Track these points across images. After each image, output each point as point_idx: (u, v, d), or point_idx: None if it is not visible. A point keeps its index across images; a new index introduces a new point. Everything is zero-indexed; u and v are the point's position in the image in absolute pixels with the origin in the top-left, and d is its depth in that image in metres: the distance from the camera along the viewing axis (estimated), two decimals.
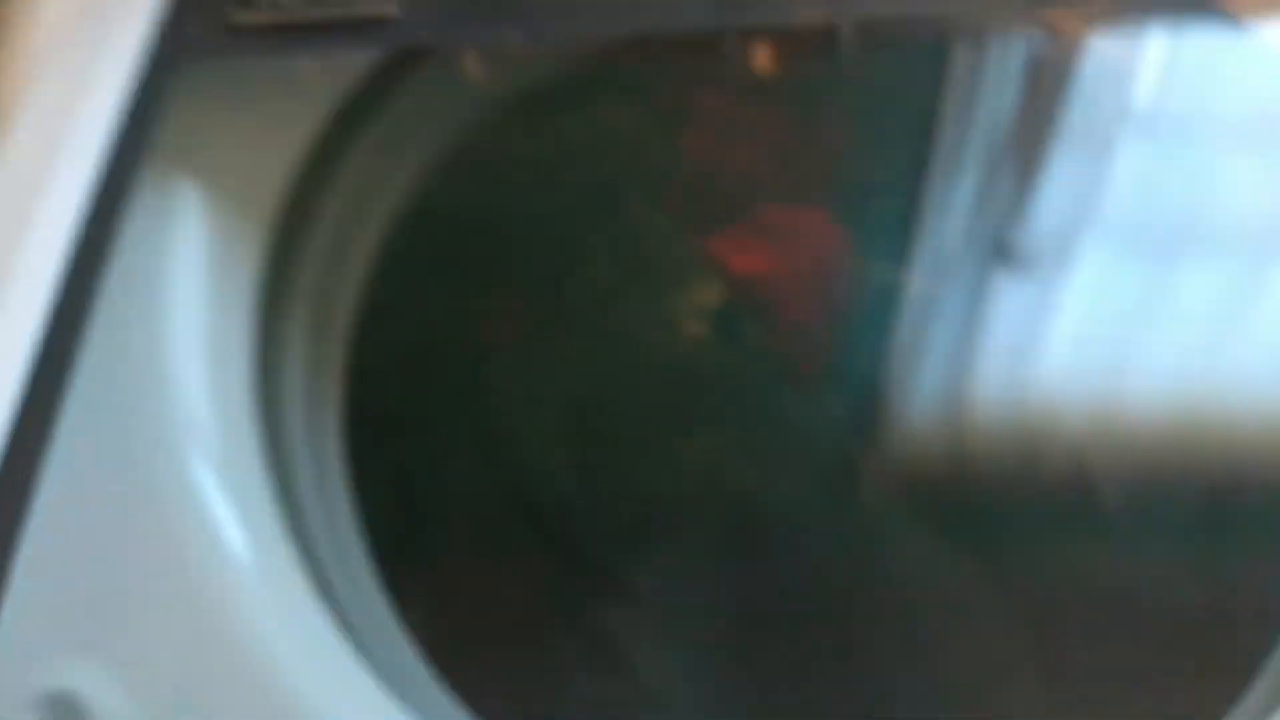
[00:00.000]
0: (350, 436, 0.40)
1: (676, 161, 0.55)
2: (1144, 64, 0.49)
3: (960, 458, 0.46)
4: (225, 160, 0.35)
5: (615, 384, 0.53)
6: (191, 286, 0.32)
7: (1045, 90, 0.47)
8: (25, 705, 0.26)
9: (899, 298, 0.47)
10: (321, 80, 0.35)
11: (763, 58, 0.47)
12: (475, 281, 0.54)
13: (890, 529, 0.49)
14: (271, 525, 0.30)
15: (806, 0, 0.37)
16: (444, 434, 0.51)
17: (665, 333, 0.54)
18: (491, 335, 0.53)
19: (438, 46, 0.39)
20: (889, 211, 0.49)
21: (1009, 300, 0.47)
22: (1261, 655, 0.36)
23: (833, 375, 0.53)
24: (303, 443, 0.35)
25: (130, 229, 0.32)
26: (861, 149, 0.50)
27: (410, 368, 0.52)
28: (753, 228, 0.55)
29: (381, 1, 0.33)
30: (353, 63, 0.37)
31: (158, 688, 0.26)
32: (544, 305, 0.54)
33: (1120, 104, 0.48)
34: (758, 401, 0.53)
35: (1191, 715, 0.37)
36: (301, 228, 0.36)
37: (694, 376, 0.53)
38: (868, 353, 0.47)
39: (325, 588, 0.32)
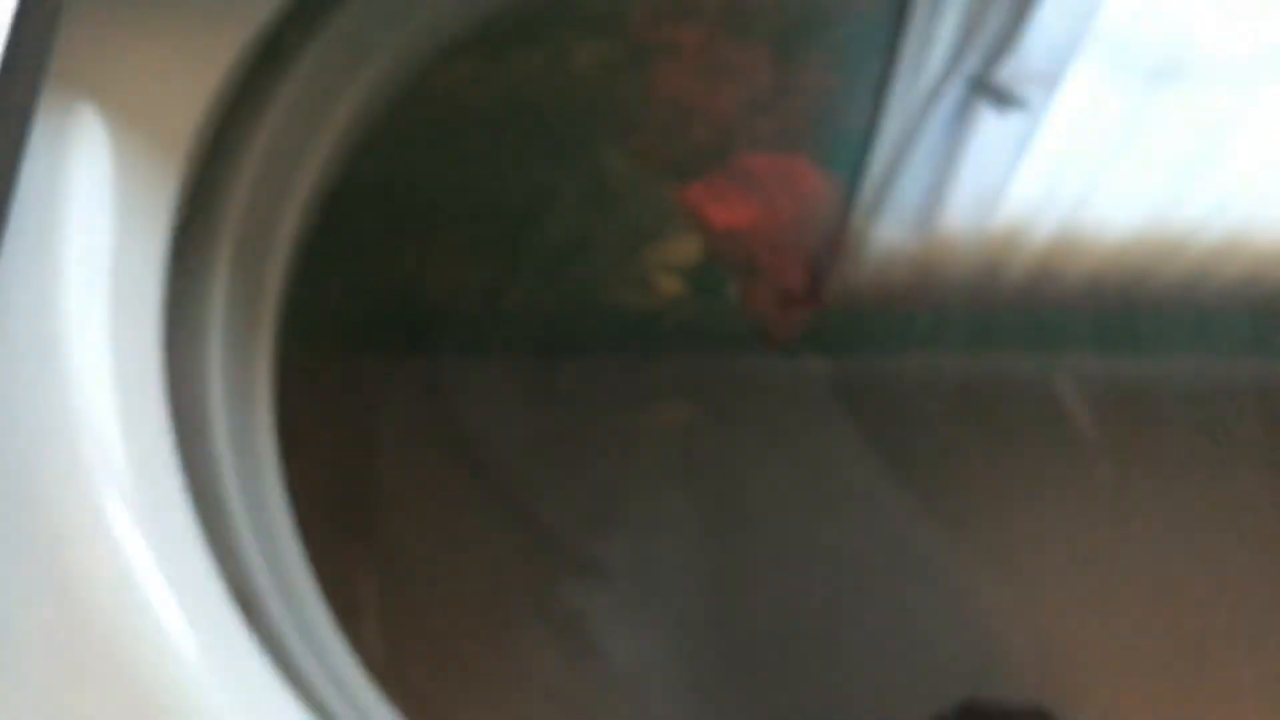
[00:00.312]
0: (285, 403, 0.36)
1: (648, 102, 0.51)
2: None
3: (930, 272, 0.45)
4: (135, 87, 0.30)
5: (580, 345, 0.49)
6: (95, 225, 0.27)
7: None
8: None
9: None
10: None
11: None
12: (425, 232, 0.49)
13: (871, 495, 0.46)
14: (188, 530, 0.25)
15: None
16: (393, 400, 0.47)
17: (635, 289, 0.50)
18: (444, 290, 0.49)
19: None
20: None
21: (989, 133, 0.46)
22: None
23: (815, 337, 0.50)
24: (225, 413, 0.30)
25: (26, 167, 0.27)
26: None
27: (353, 323, 0.47)
28: (731, 176, 0.51)
29: None
30: None
31: None
32: (502, 256, 0.50)
33: None
34: (735, 365, 0.49)
35: None
36: (225, 165, 0.32)
37: (666, 337, 0.49)
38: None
39: (255, 605, 0.28)
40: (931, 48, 0.48)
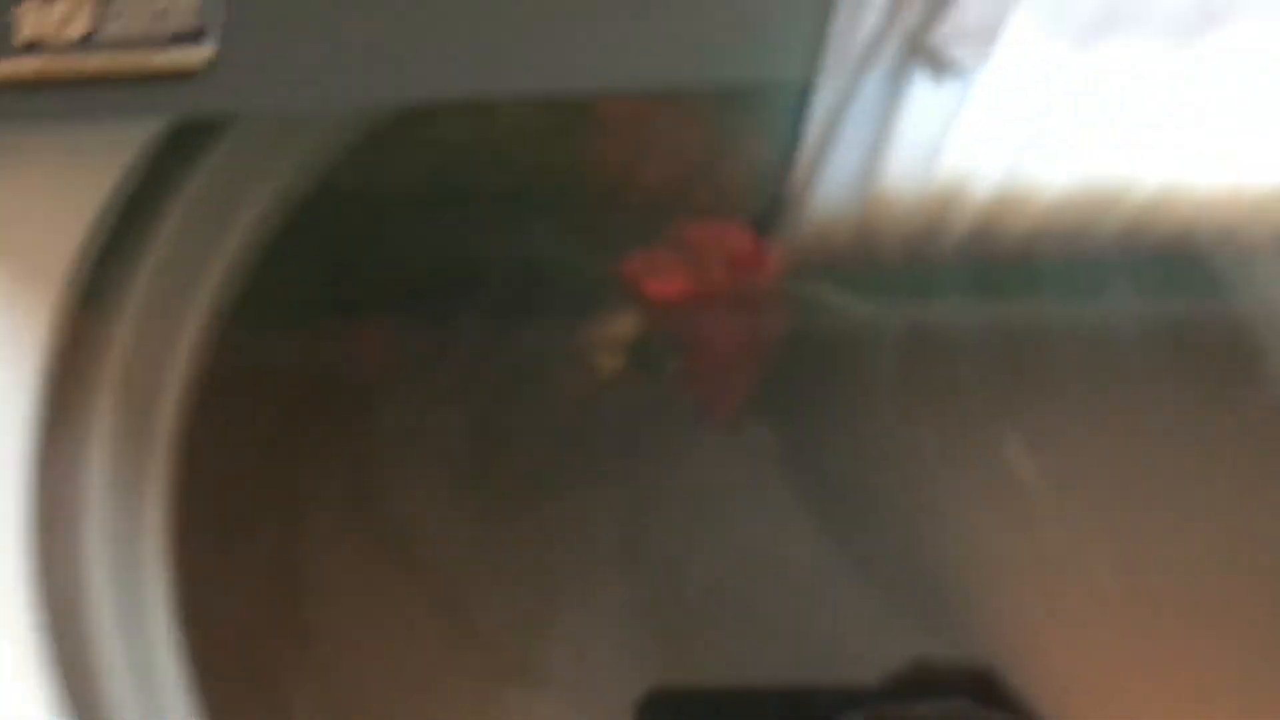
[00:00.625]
0: (189, 519, 0.34)
1: (583, 172, 0.49)
2: None
3: (870, 234, 0.44)
4: (5, 230, 0.28)
5: (515, 429, 0.47)
6: None
7: None
8: None
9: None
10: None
11: None
12: (350, 315, 0.47)
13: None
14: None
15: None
16: (317, 498, 0.45)
17: (572, 368, 0.48)
18: (369, 376, 0.47)
19: (252, 111, 0.32)
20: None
21: (925, 97, 0.45)
22: None
23: (759, 415, 0.48)
24: (106, 545, 0.28)
25: None
26: None
27: (270, 417, 0.45)
28: (670, 247, 0.49)
29: (190, 47, 0.25)
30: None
31: None
32: (432, 337, 0.48)
33: None
34: (677, 447, 0.47)
35: None
36: (111, 298, 0.30)
37: (605, 418, 0.47)
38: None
39: None
40: (864, 11, 0.46)
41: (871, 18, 0.45)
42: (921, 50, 0.44)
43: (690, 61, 0.31)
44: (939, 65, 0.44)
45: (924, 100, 0.45)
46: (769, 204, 0.47)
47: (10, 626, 0.25)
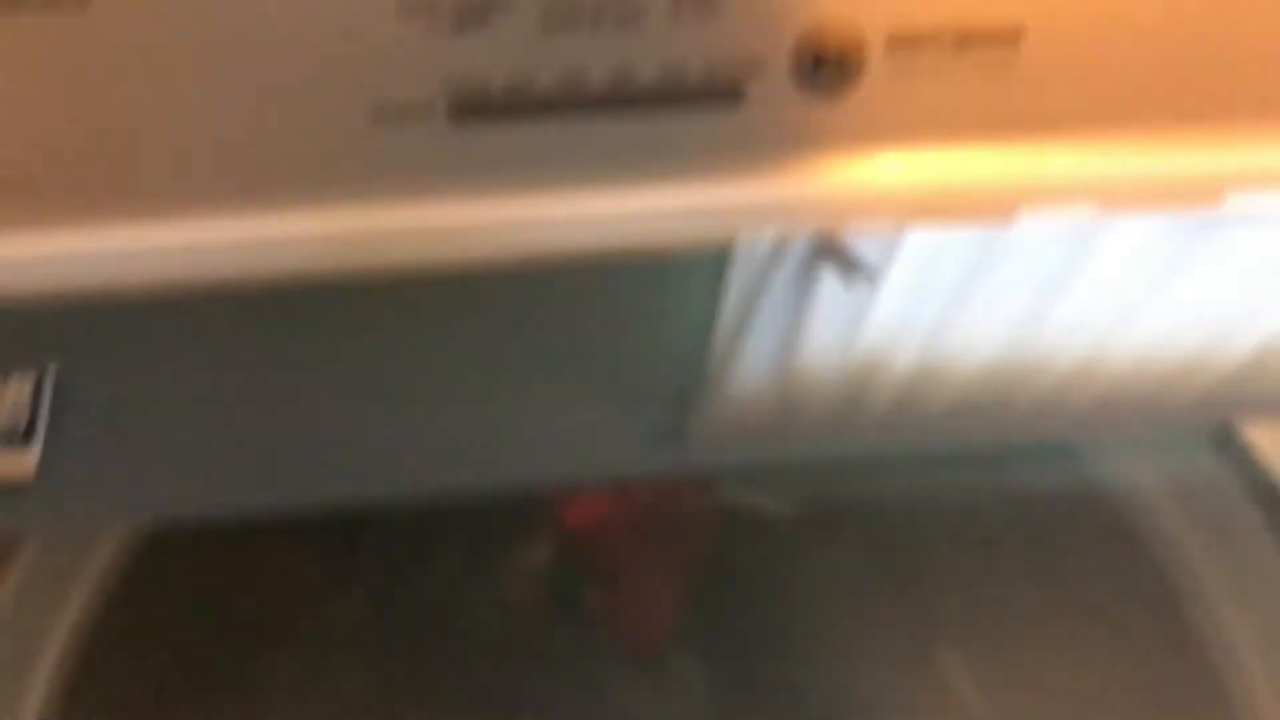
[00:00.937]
0: None
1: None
2: None
3: (792, 412, 0.44)
4: None
5: (423, 668, 0.44)
6: None
7: None
8: None
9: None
10: None
11: None
12: (248, 550, 0.45)
13: None
14: None
15: None
16: None
17: (485, 600, 0.45)
18: (273, 611, 0.44)
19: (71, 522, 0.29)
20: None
21: (837, 293, 0.44)
22: None
23: (680, 648, 0.46)
24: None
25: None
26: None
27: (160, 669, 0.42)
28: None
29: (16, 450, 0.23)
30: None
31: None
32: (335, 562, 0.46)
33: None
34: (597, 682, 0.45)
35: None
36: None
37: (519, 658, 0.45)
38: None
39: None
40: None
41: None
42: (829, 251, 0.43)
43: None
44: (847, 265, 0.43)
45: (834, 294, 0.44)
46: (685, 395, 0.45)
47: None
